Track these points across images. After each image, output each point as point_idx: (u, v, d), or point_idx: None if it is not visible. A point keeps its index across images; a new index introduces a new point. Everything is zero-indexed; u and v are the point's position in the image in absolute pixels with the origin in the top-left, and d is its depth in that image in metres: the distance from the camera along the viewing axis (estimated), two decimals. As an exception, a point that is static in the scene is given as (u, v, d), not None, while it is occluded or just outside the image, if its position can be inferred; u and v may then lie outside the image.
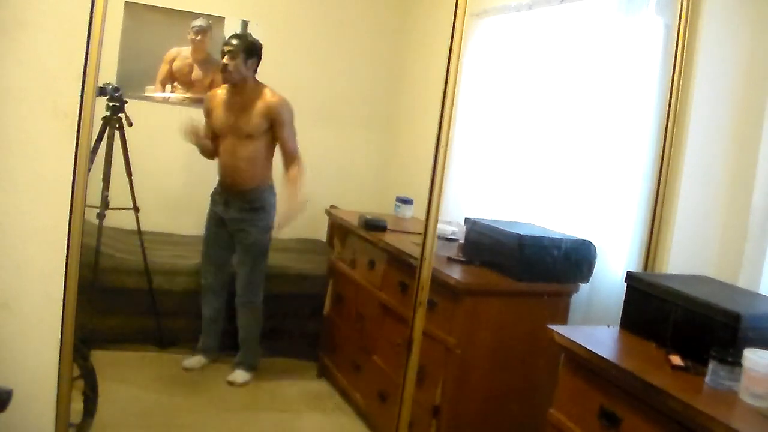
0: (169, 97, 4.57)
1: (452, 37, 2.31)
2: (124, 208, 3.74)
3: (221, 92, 3.61)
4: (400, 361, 2.59)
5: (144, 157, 3.84)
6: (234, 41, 3.46)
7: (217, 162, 3.61)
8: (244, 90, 3.51)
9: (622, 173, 2.81)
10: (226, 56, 3.45)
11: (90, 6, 1.91)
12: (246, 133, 3.48)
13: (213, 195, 3.67)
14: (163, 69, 4.54)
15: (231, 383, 3.58)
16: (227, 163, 3.55)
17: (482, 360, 2.70)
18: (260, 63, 3.56)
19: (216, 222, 3.64)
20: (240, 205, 3.56)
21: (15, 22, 1.88)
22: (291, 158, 3.55)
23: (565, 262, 2.75)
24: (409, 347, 2.48)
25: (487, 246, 2.85)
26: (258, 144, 3.51)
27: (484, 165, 3.66)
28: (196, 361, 3.71)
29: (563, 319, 2.81)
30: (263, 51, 3.54)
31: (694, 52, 2.55)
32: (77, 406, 2.35)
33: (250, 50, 3.48)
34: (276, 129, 3.52)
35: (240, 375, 3.63)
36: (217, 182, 3.66)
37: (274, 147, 3.58)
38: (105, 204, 3.57)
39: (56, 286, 1.98)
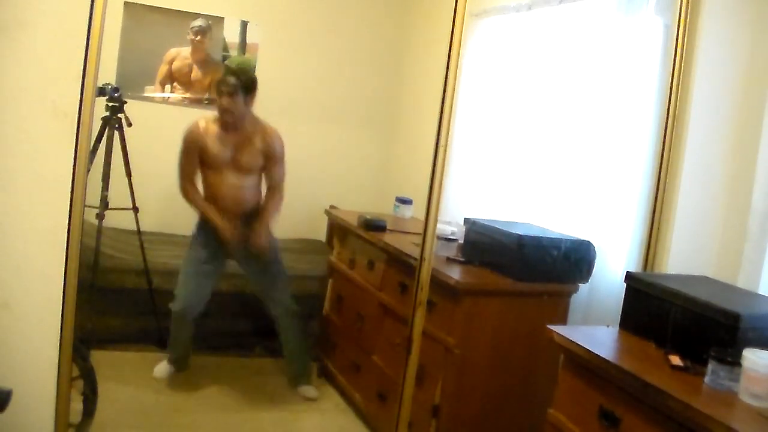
0: (168, 98, 4.57)
1: (452, 37, 2.31)
2: (123, 209, 3.73)
3: (206, 125, 3.38)
4: (399, 361, 2.59)
5: (143, 158, 3.84)
6: (231, 80, 3.25)
7: (214, 192, 3.42)
8: (242, 125, 3.35)
9: (621, 173, 2.81)
10: (224, 97, 3.25)
11: (90, 6, 1.91)
12: (248, 168, 3.39)
13: (210, 230, 3.41)
14: (162, 69, 4.54)
15: (309, 398, 3.56)
16: (229, 196, 3.40)
17: (482, 360, 2.70)
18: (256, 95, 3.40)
19: (218, 255, 3.46)
20: (248, 222, 3.44)
21: (15, 22, 1.88)
22: (276, 190, 3.49)
23: (565, 262, 2.75)
24: (408, 347, 2.48)
25: (486, 246, 2.86)
26: (258, 174, 3.47)
27: (484, 165, 3.66)
28: (165, 370, 3.58)
29: (563, 320, 2.81)
30: (263, 51, 3.53)
31: (693, 52, 2.55)
32: (77, 406, 2.35)
33: (249, 87, 3.30)
34: (268, 163, 3.42)
35: (311, 390, 3.59)
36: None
37: None
38: (104, 204, 3.56)
39: (56, 286, 1.98)
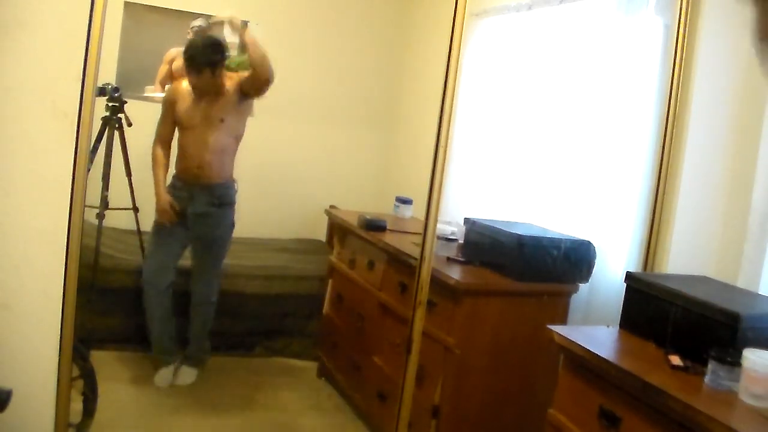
0: (168, 97, 4.56)
1: (452, 36, 2.31)
2: (123, 208, 3.74)
3: (185, 85, 3.39)
4: (399, 361, 2.59)
5: (143, 157, 3.83)
6: (195, 60, 3.23)
7: (180, 155, 3.44)
8: (215, 81, 3.33)
9: (621, 173, 2.82)
10: (191, 75, 3.27)
11: (90, 6, 1.91)
12: (219, 117, 3.33)
13: (172, 188, 3.46)
14: (162, 69, 4.53)
15: (178, 382, 3.51)
16: (196, 156, 3.37)
17: (482, 360, 2.70)
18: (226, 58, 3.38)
19: (183, 224, 3.46)
20: (208, 200, 3.42)
21: (15, 22, 1.88)
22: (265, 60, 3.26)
23: (565, 262, 2.75)
24: (408, 347, 2.48)
25: (486, 246, 2.86)
26: (229, 133, 3.38)
27: (484, 165, 3.66)
28: (164, 375, 3.51)
29: (563, 320, 2.81)
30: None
31: (693, 52, 2.55)
32: (77, 406, 2.35)
33: (213, 61, 3.25)
34: (245, 80, 3.32)
35: (189, 374, 3.56)
36: (174, 176, 3.49)
37: (239, 140, 3.46)
38: (104, 204, 3.57)
39: (56, 286, 1.98)
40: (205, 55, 3.24)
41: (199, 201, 3.44)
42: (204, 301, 3.56)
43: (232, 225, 3.55)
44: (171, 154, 3.52)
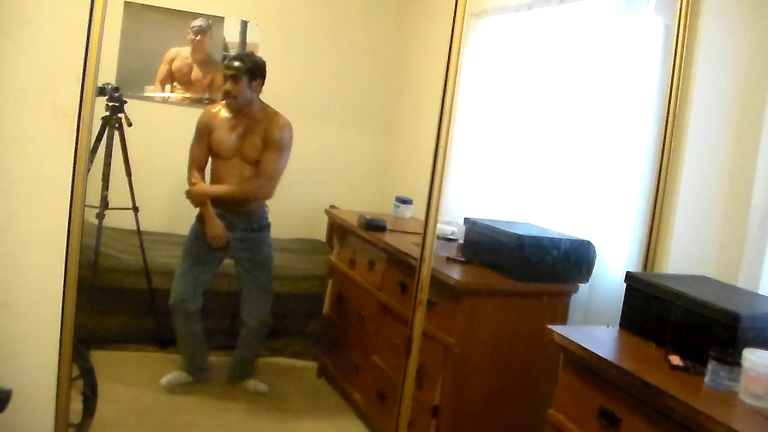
0: (168, 97, 4.57)
1: (452, 36, 2.31)
2: (123, 208, 3.74)
3: (220, 110, 3.35)
4: (399, 361, 2.59)
5: (143, 157, 3.85)
6: (236, 63, 3.20)
7: (216, 183, 3.38)
8: (250, 112, 3.28)
9: (621, 173, 2.81)
10: (228, 81, 3.21)
11: (89, 6, 1.91)
12: (254, 158, 3.28)
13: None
14: (162, 69, 4.54)
15: (260, 391, 3.55)
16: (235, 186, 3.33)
17: (482, 360, 2.70)
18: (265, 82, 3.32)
19: (207, 241, 3.37)
20: (247, 225, 3.38)
21: (15, 22, 1.88)
22: (262, 175, 3.29)
23: (565, 262, 2.75)
24: (408, 347, 2.48)
25: (486, 246, 2.85)
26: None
27: (484, 165, 3.66)
28: (174, 379, 3.49)
29: (563, 320, 2.81)
30: (263, 51, 3.51)
31: (693, 52, 2.55)
32: (77, 406, 2.35)
33: (254, 71, 3.23)
34: (264, 150, 3.28)
35: (260, 384, 3.57)
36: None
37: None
38: (104, 204, 3.57)
39: (56, 285, 1.98)
40: (247, 64, 3.22)
41: (239, 227, 3.38)
42: (261, 324, 3.48)
43: (271, 245, 3.49)
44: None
